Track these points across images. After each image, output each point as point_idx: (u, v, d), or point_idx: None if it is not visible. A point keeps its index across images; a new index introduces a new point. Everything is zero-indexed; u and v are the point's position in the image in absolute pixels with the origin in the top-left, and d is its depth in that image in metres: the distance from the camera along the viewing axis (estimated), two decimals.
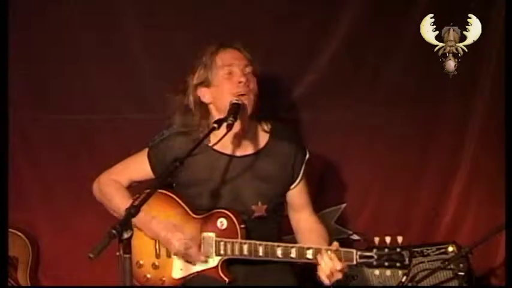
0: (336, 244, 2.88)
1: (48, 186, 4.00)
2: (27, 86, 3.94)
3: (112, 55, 3.90)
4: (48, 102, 3.97)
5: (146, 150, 3.22)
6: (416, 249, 3.73)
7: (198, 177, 3.10)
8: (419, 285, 3.56)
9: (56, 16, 3.86)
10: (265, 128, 3.16)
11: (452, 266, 3.41)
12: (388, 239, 2.77)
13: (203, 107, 3.11)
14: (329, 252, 2.83)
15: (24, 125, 3.96)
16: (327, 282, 2.85)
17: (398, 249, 2.75)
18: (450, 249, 3.67)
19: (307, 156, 3.18)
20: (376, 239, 2.79)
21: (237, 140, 3.09)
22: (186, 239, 3.04)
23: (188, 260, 3.08)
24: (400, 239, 2.77)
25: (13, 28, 3.70)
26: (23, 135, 3.96)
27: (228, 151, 3.10)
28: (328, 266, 2.82)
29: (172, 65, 3.83)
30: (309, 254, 2.89)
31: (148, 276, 3.14)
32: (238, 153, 3.12)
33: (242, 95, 3.01)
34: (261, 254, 2.95)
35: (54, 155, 3.98)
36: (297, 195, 3.20)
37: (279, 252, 2.93)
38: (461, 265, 3.36)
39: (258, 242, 2.96)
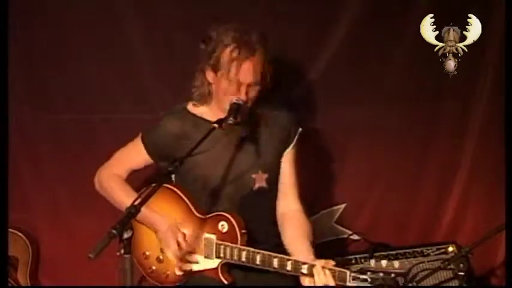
0: (331, 262, 2.87)
1: (48, 186, 4.00)
2: (28, 86, 3.94)
3: (112, 55, 3.90)
4: (48, 102, 3.97)
5: (140, 136, 3.23)
6: (416, 249, 3.73)
7: (196, 151, 3.04)
8: (419, 285, 3.56)
9: (56, 16, 3.86)
10: (259, 101, 3.16)
11: (452, 266, 3.40)
12: (384, 263, 2.74)
13: (208, 85, 3.13)
14: (327, 271, 2.82)
15: (24, 125, 3.96)
16: None
17: (392, 275, 2.71)
18: (450, 249, 3.67)
19: (300, 129, 3.22)
20: (372, 262, 2.76)
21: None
22: (181, 247, 3.04)
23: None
24: (396, 263, 2.74)
25: (13, 28, 3.70)
26: (23, 135, 3.96)
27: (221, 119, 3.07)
28: (322, 281, 2.82)
29: (172, 65, 3.84)
30: (304, 269, 2.89)
31: (154, 268, 3.16)
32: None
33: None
34: (258, 262, 2.95)
35: (54, 155, 3.98)
36: (287, 165, 3.19)
37: (275, 263, 2.93)
38: (461, 265, 3.36)
39: (256, 250, 2.96)
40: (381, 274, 2.72)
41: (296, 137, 3.21)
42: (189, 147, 3.00)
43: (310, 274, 2.86)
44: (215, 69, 3.06)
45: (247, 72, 3.02)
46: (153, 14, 3.86)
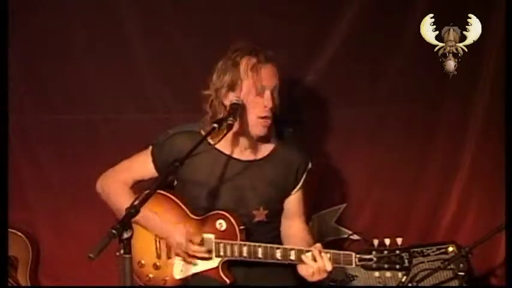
0: (318, 245, 2.89)
1: (48, 186, 4.00)
2: (28, 86, 3.94)
3: (112, 55, 3.90)
4: (48, 102, 3.97)
5: (150, 148, 3.21)
6: (416, 249, 3.73)
7: (200, 176, 3.09)
8: (419, 285, 3.56)
9: (56, 16, 3.86)
10: (272, 135, 3.16)
11: (452, 266, 3.40)
12: (387, 241, 2.77)
13: (224, 109, 3.08)
14: (324, 254, 2.85)
15: (24, 125, 3.96)
16: (310, 279, 2.90)
17: (397, 252, 2.76)
18: (450, 249, 3.67)
19: (310, 166, 3.20)
20: (376, 241, 2.79)
21: (240, 142, 3.09)
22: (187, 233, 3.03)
23: (188, 258, 3.08)
24: (399, 240, 2.77)
25: (13, 28, 3.70)
26: (23, 135, 3.96)
27: (231, 152, 3.10)
28: (319, 265, 2.84)
29: (173, 65, 3.84)
30: (307, 257, 2.90)
31: (151, 276, 3.15)
32: (243, 157, 3.12)
33: (265, 117, 3.03)
34: (260, 255, 2.96)
35: (54, 155, 3.99)
36: (294, 202, 3.20)
37: (278, 254, 2.94)
38: (461, 265, 3.36)
39: (257, 244, 2.96)
40: (386, 252, 2.74)
41: (303, 178, 3.18)
42: (196, 170, 3.03)
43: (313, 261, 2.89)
44: (234, 86, 3.02)
45: (269, 74, 3.03)
46: (153, 14, 3.86)
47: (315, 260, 2.88)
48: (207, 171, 3.09)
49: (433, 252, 3.72)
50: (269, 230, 3.17)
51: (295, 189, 3.19)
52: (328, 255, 2.87)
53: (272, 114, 3.05)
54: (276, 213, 3.18)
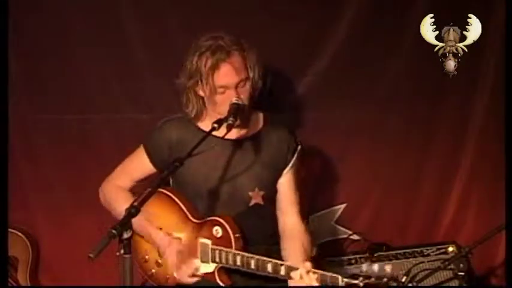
0: (308, 265, 2.84)
1: (48, 186, 4.00)
2: (28, 86, 3.94)
3: (112, 55, 3.90)
4: (48, 102, 3.97)
5: (141, 146, 3.22)
6: (416, 249, 3.74)
7: (195, 163, 3.04)
8: (419, 285, 3.56)
9: (56, 16, 3.86)
10: (258, 114, 3.18)
11: (452, 266, 3.41)
12: (376, 267, 2.70)
13: (200, 99, 3.12)
14: (311, 274, 2.81)
15: (24, 125, 3.96)
16: None
17: (385, 279, 2.66)
18: (450, 249, 3.68)
19: (300, 147, 3.19)
20: (364, 266, 2.73)
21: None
22: (179, 251, 3.04)
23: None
24: (388, 267, 2.70)
25: (13, 28, 3.70)
26: (23, 135, 3.96)
27: (222, 135, 3.06)
28: (305, 283, 2.81)
29: (173, 64, 3.83)
30: (295, 275, 2.86)
31: (153, 271, 3.16)
32: (232, 136, 3.09)
33: None
34: (252, 266, 2.94)
35: (54, 155, 3.98)
36: (285, 185, 3.17)
37: (269, 267, 2.91)
38: (461, 265, 3.36)
39: (250, 255, 2.94)
40: (373, 278, 2.69)
41: (295, 156, 3.17)
42: (189, 158, 3.01)
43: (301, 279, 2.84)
44: (201, 80, 3.06)
45: (228, 74, 3.01)
46: (153, 14, 3.86)
47: (302, 278, 2.84)
48: (200, 156, 3.03)
49: (433, 252, 3.72)
50: (266, 217, 3.15)
51: (286, 169, 3.16)
52: (316, 275, 2.81)
53: (247, 101, 3.03)
54: (271, 196, 3.16)
